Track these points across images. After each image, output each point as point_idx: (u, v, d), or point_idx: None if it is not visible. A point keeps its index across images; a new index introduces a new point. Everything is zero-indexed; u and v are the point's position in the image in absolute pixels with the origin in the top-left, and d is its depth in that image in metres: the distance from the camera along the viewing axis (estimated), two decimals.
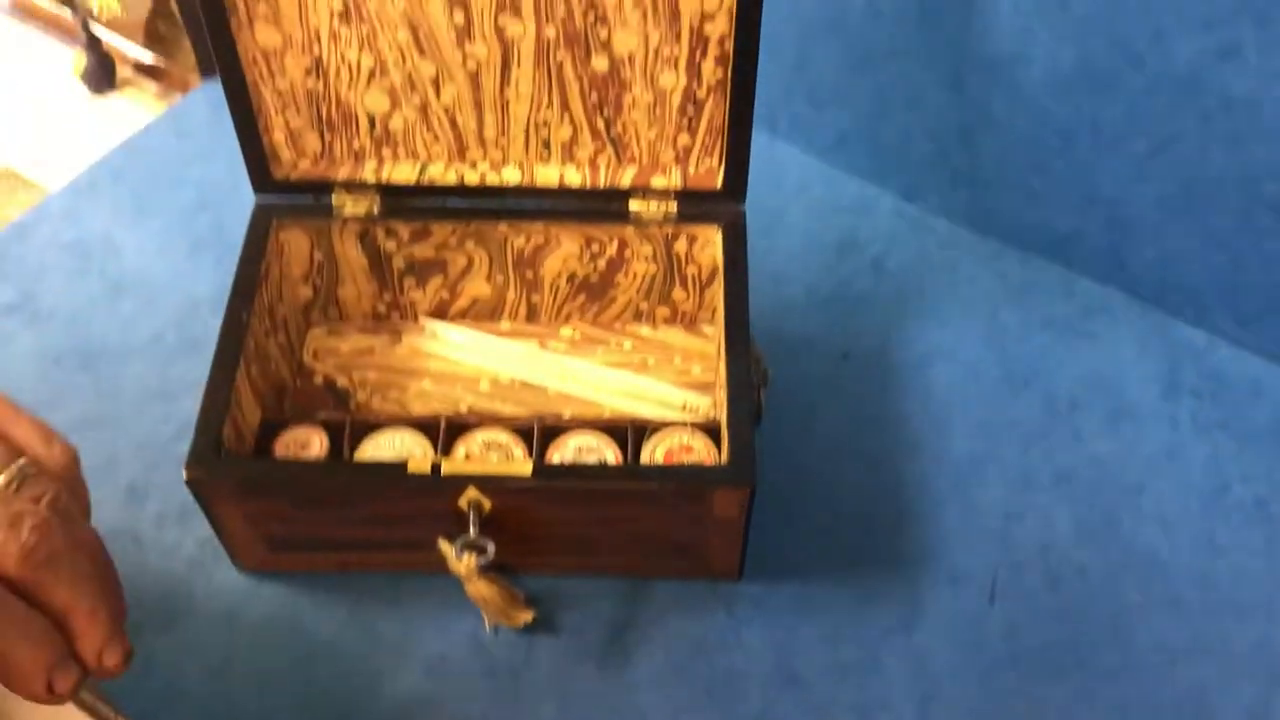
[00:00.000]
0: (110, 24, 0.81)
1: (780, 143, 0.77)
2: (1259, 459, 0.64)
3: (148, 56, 0.82)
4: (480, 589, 0.54)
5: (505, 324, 0.67)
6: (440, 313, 0.67)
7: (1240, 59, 0.57)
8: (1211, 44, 0.58)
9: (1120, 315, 0.70)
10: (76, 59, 0.81)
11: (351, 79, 0.58)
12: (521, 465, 0.53)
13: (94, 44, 0.78)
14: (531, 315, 0.67)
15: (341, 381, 0.65)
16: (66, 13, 0.84)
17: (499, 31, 0.55)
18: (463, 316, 0.67)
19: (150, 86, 0.82)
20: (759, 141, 0.59)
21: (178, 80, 0.81)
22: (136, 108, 0.81)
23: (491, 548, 0.53)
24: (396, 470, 0.52)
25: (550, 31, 0.55)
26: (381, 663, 0.56)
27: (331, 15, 0.55)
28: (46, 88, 0.82)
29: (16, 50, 0.85)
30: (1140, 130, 0.63)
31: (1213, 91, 0.59)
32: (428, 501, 0.53)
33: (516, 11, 0.55)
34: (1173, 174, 0.63)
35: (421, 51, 0.56)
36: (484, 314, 0.67)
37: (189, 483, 0.52)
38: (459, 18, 0.55)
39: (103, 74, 0.80)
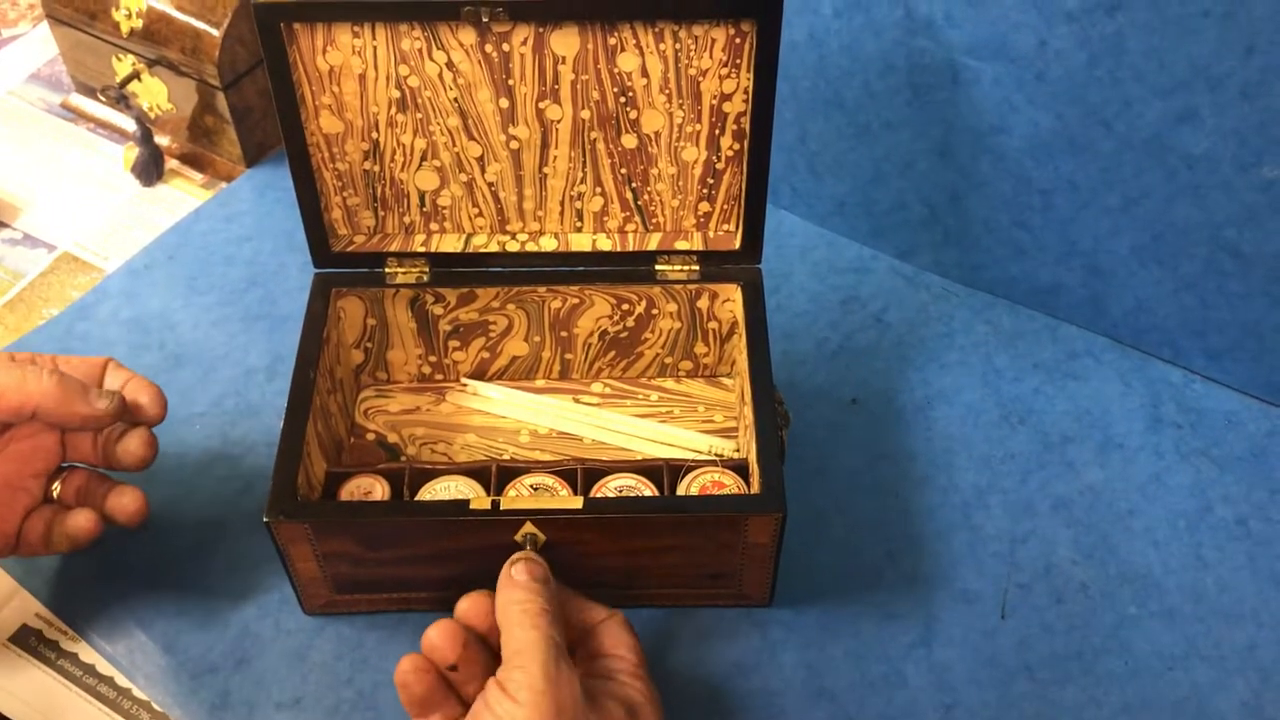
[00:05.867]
0: (160, 121, 0.88)
1: (783, 211, 0.84)
2: (1237, 482, 0.69)
3: (195, 149, 0.88)
4: None
5: (540, 381, 0.73)
6: (480, 372, 0.73)
7: (1197, 120, 0.64)
8: (1172, 108, 0.64)
9: (1103, 357, 0.76)
10: (126, 154, 0.87)
11: (405, 161, 0.64)
12: (573, 500, 0.58)
13: (147, 139, 0.84)
14: (564, 372, 0.73)
15: (392, 438, 0.70)
16: (113, 115, 0.90)
17: (539, 114, 0.62)
18: (500, 375, 0.73)
19: (196, 176, 0.88)
20: None
21: (222, 169, 0.87)
22: (183, 196, 0.87)
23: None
24: (460, 508, 0.58)
25: (585, 114, 0.62)
26: None
27: (390, 104, 0.62)
28: (99, 180, 0.88)
29: (70, 147, 0.91)
30: (1113, 187, 0.69)
31: (1175, 150, 0.66)
32: (488, 536, 0.58)
33: (556, 98, 0.61)
34: (1144, 226, 0.70)
35: (470, 135, 0.63)
36: (520, 373, 0.73)
37: (268, 525, 0.57)
38: (504, 103, 0.62)
39: (154, 167, 0.86)
